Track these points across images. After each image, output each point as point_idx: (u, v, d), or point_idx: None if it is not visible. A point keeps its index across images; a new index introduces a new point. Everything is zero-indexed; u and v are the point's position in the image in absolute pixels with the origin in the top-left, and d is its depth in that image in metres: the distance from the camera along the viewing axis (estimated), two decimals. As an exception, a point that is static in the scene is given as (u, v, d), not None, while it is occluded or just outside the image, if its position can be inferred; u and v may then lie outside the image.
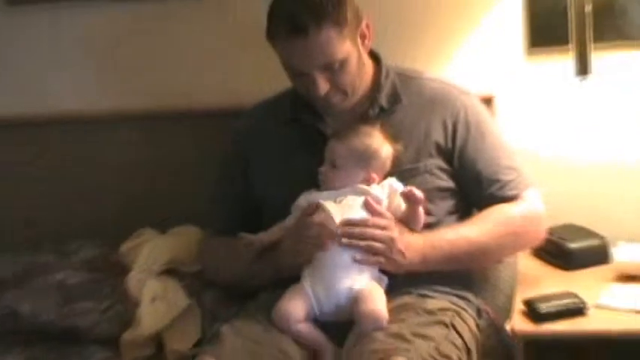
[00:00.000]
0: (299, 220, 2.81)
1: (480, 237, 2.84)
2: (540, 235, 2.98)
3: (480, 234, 2.84)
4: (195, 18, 3.46)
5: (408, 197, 2.75)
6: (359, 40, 2.88)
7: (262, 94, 3.11)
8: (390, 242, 2.72)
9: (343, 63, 2.82)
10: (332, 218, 2.75)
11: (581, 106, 3.26)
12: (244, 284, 3.00)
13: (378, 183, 2.83)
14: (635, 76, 3.21)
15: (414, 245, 2.76)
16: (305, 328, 2.72)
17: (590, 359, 2.90)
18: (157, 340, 3.04)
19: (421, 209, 2.77)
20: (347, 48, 2.81)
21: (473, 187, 2.93)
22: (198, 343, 2.93)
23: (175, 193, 3.46)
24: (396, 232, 2.75)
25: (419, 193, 2.73)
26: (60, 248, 3.40)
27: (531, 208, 2.93)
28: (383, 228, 2.73)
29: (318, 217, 2.77)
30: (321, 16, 2.76)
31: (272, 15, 2.85)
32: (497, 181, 2.91)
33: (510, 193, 2.91)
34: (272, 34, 2.85)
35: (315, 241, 2.75)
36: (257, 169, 3.03)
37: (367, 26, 2.89)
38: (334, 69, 2.82)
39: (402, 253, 2.73)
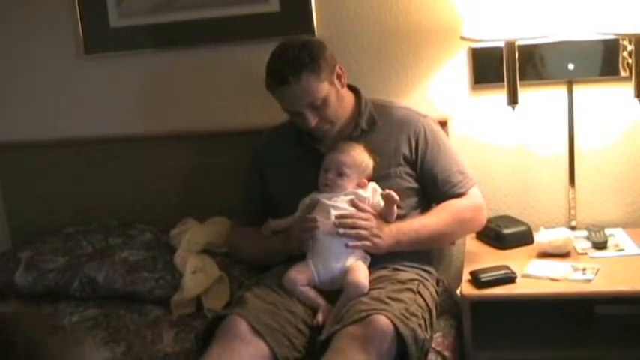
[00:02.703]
0: (301, 216, 2.85)
1: (438, 225, 2.88)
2: (482, 222, 3.02)
3: (438, 223, 2.89)
4: (230, 63, 3.44)
5: (387, 198, 2.80)
6: (335, 80, 2.87)
7: (276, 121, 3.10)
8: (371, 229, 2.77)
9: (325, 100, 2.83)
10: (327, 213, 2.79)
11: (511, 126, 3.26)
12: (260, 262, 3.01)
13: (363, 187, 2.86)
14: (549, 104, 3.23)
15: (389, 232, 2.80)
16: (307, 289, 2.76)
17: (519, 315, 2.94)
18: (197, 301, 3.03)
19: (395, 207, 2.82)
20: (325, 88, 2.82)
21: (431, 187, 2.96)
22: (227, 304, 2.92)
23: (211, 192, 3.44)
24: (375, 222, 2.79)
25: (396, 196, 2.78)
26: (126, 232, 3.40)
27: (475, 202, 2.97)
28: (365, 219, 2.79)
29: (315, 214, 2.81)
30: (299, 67, 2.78)
31: (266, 71, 2.87)
32: (449, 182, 2.94)
33: (459, 191, 2.94)
34: (267, 87, 2.87)
35: (309, 233, 2.78)
36: (270, 176, 3.05)
37: (341, 68, 2.89)
38: (317, 105, 2.83)
39: (381, 238, 2.78)
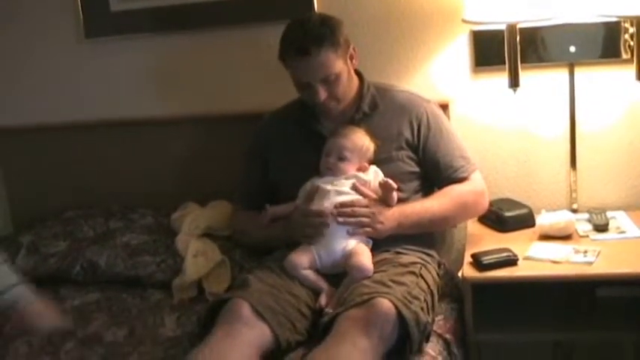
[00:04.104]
0: (302, 207, 2.85)
1: (440, 208, 2.89)
2: (484, 207, 3.02)
3: (440, 206, 2.89)
4: (231, 46, 3.44)
5: (385, 187, 2.79)
6: (348, 60, 2.90)
7: (277, 104, 3.12)
8: (372, 216, 2.77)
9: (337, 76, 2.85)
10: (328, 197, 2.79)
11: (513, 109, 3.27)
12: (262, 245, 3.01)
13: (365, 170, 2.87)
14: (550, 87, 3.23)
15: (390, 217, 2.80)
16: (309, 273, 2.76)
17: (520, 297, 2.94)
18: (198, 286, 3.03)
19: (394, 193, 2.81)
20: (340, 65, 2.85)
21: (434, 171, 2.96)
22: (229, 288, 2.92)
23: (212, 176, 3.44)
24: (377, 207, 2.79)
25: (393, 184, 2.78)
26: (127, 216, 3.41)
27: (477, 187, 2.98)
28: (366, 206, 2.79)
29: (315, 205, 2.80)
30: (321, 40, 2.79)
31: (283, 41, 2.88)
32: (452, 166, 2.95)
33: (462, 175, 2.95)
34: (283, 56, 2.88)
35: (314, 229, 2.78)
36: (272, 160, 3.05)
37: (354, 49, 2.92)
38: (330, 81, 2.84)
39: (382, 223, 2.78)
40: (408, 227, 2.84)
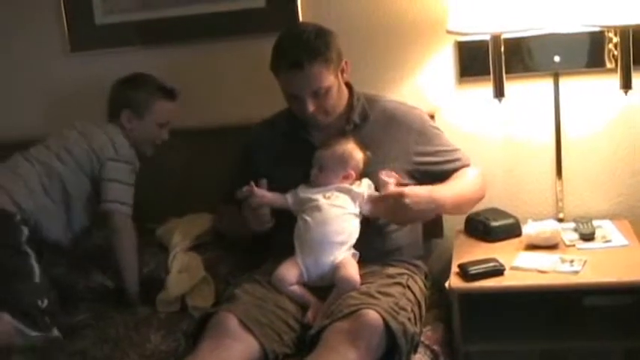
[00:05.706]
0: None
1: (463, 191, 2.93)
2: (486, 189, 3.08)
3: (464, 188, 2.94)
4: (216, 59, 3.45)
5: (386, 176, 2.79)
6: (339, 74, 2.90)
7: (264, 117, 3.13)
8: (404, 206, 2.71)
9: (327, 90, 2.85)
10: (318, 210, 2.78)
11: (498, 119, 3.29)
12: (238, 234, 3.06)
13: (354, 182, 2.85)
14: (535, 97, 3.25)
15: (427, 198, 2.76)
16: (296, 288, 2.75)
17: (508, 307, 2.93)
18: (182, 302, 3.02)
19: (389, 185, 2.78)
20: (331, 79, 2.84)
21: (437, 171, 2.97)
22: (214, 305, 2.89)
23: (199, 190, 3.39)
24: (410, 195, 2.72)
25: (389, 172, 2.80)
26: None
27: (479, 172, 3.04)
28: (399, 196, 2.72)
29: (307, 211, 2.81)
30: (314, 54, 2.79)
31: (276, 52, 2.87)
32: (456, 159, 3.02)
33: (466, 162, 3.03)
34: (275, 67, 2.87)
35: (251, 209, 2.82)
36: (261, 168, 2.99)
37: (346, 63, 2.92)
38: (320, 94, 2.84)
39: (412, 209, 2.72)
40: (442, 211, 2.91)
